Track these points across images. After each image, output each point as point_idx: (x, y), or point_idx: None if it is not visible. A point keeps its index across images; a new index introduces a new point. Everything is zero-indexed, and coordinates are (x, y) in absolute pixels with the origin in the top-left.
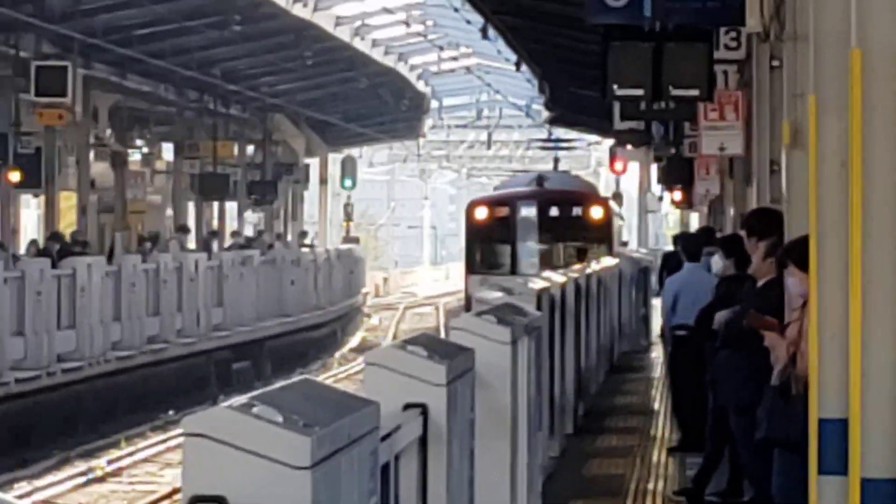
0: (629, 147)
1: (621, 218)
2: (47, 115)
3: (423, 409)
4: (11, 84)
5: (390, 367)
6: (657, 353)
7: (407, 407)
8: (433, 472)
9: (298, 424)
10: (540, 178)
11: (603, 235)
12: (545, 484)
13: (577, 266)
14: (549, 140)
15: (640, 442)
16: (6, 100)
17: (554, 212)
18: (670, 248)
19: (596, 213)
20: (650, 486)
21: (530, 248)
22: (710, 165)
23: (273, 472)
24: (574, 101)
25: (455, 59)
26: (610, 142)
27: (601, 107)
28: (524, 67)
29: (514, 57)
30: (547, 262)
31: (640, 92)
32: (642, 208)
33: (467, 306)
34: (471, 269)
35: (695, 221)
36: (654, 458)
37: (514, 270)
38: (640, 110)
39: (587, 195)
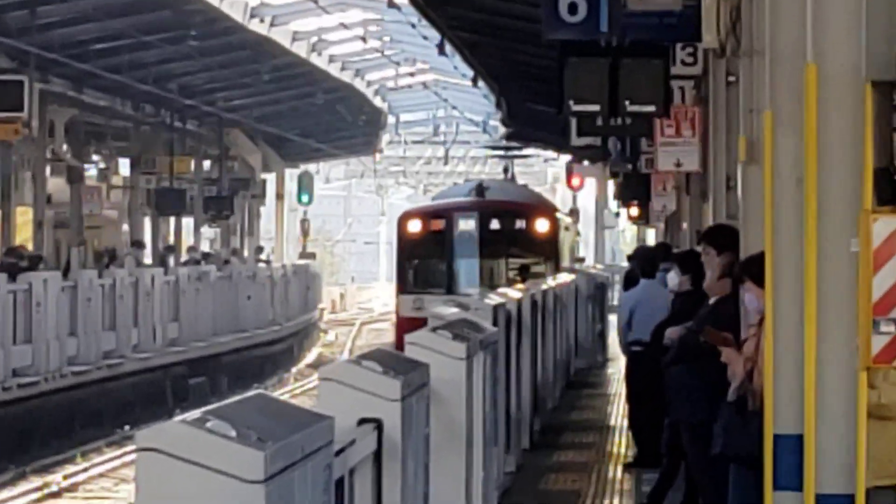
0: (586, 163)
1: (578, 233)
2: (3, 130)
3: (378, 424)
4: None
5: (345, 382)
6: (613, 369)
7: (362, 422)
8: (388, 486)
9: (252, 439)
10: (480, 188)
11: (549, 250)
12: (501, 499)
13: (520, 286)
14: (500, 147)
15: (597, 457)
16: None
17: (495, 224)
18: (620, 263)
19: (541, 226)
20: (606, 501)
21: (469, 264)
22: (667, 181)
23: (226, 487)
24: (531, 116)
25: (412, 74)
26: (567, 158)
27: (558, 122)
28: (481, 83)
29: (470, 73)
30: (488, 280)
31: (596, 108)
32: (599, 224)
33: (398, 332)
34: (402, 288)
35: (651, 237)
36: (611, 474)
37: (450, 289)
38: (596, 126)
39: (532, 206)
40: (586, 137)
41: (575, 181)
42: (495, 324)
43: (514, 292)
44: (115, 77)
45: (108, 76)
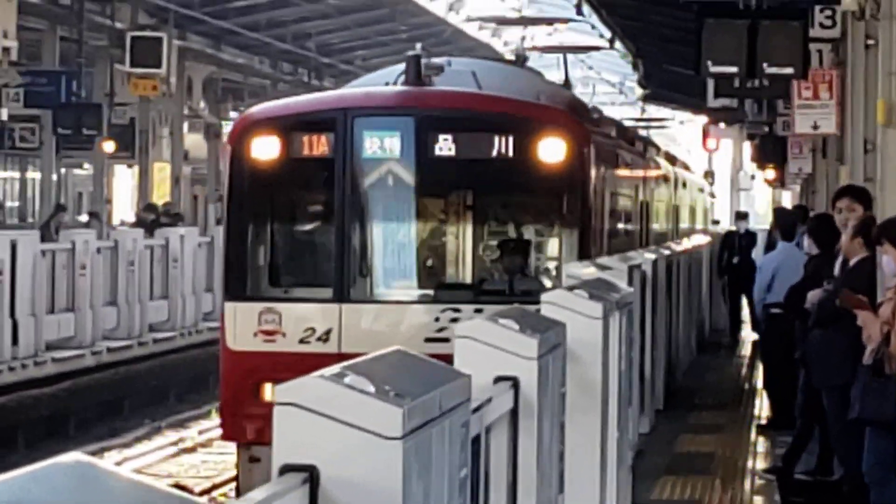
0: (722, 125)
1: (712, 195)
2: (142, 86)
3: (515, 382)
4: (107, 54)
5: (482, 339)
6: (747, 332)
7: (498, 380)
8: (523, 445)
9: (390, 395)
10: (416, 63)
11: (569, 205)
12: (635, 460)
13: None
14: (641, 120)
15: (730, 419)
16: (102, 70)
17: (446, 147)
18: (754, 226)
19: (553, 150)
20: (740, 463)
21: (392, 237)
22: (804, 144)
23: (364, 442)
24: (667, 78)
25: (549, 35)
26: (702, 119)
27: (694, 84)
28: (618, 44)
29: (608, 33)
30: (437, 271)
31: (734, 69)
32: (734, 186)
33: (225, 387)
34: (236, 288)
35: (786, 200)
36: (744, 436)
37: (344, 294)
38: (733, 87)
39: (531, 108)
40: (723, 99)
41: (711, 143)
42: (630, 284)
43: (649, 254)
44: (253, 35)
45: (247, 34)
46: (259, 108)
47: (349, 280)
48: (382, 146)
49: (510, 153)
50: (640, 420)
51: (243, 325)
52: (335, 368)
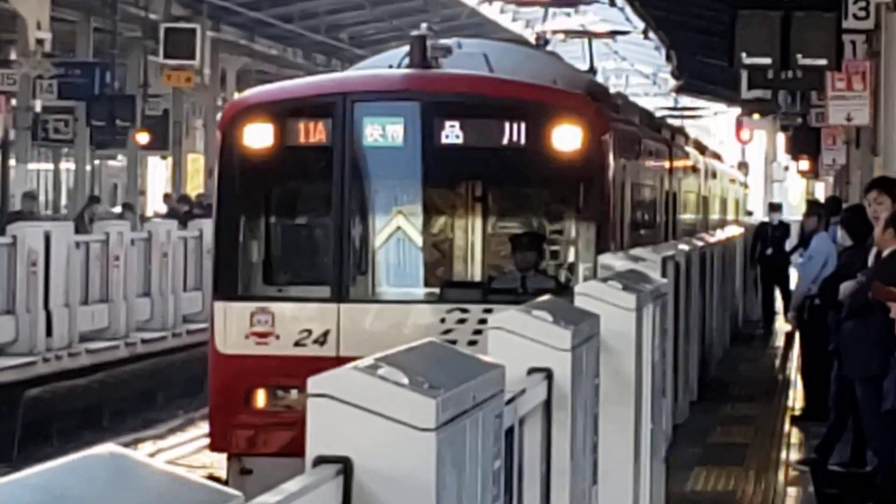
0: (755, 116)
1: (745, 186)
2: (175, 77)
3: (548, 374)
4: (141, 46)
5: (516, 331)
6: (781, 323)
7: (532, 371)
8: (557, 436)
9: (424, 386)
10: (422, 43)
11: (587, 197)
12: (668, 450)
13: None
14: (674, 110)
15: (764, 410)
16: (135, 61)
17: (453, 134)
18: (787, 217)
19: (569, 138)
20: (774, 454)
21: (394, 232)
22: (837, 135)
23: (398, 434)
24: (701, 69)
25: (583, 25)
26: (736, 111)
27: (728, 76)
28: (652, 35)
29: (641, 24)
30: (443, 269)
31: (767, 61)
32: (768, 178)
33: (215, 395)
34: (226, 286)
35: (820, 191)
36: (778, 427)
37: (342, 293)
38: (767, 79)
39: (546, 94)
40: (757, 91)
41: (744, 134)
42: (664, 275)
43: (683, 245)
44: (286, 26)
45: (280, 25)
46: (252, 93)
47: (348, 278)
48: (384, 133)
49: (523, 141)
50: (674, 411)
51: (234, 327)
52: (369, 360)
